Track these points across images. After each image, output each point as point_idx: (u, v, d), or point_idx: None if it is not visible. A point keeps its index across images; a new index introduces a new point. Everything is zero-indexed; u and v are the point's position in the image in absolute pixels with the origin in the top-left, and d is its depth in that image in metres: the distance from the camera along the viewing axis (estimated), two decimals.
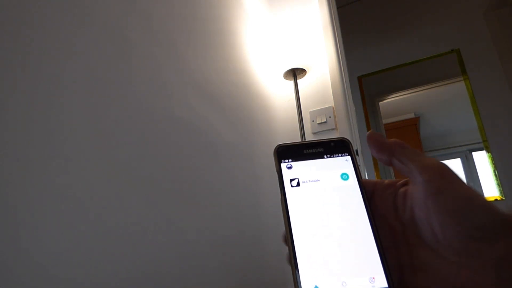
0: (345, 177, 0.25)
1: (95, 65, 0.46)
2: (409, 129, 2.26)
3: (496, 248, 0.18)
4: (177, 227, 0.56)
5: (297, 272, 0.22)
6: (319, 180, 0.25)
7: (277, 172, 0.26)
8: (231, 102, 0.88)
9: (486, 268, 0.18)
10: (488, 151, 1.76)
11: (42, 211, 0.35)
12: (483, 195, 0.19)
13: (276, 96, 1.27)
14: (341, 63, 1.17)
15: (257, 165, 0.96)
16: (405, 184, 0.23)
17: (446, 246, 0.20)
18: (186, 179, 0.61)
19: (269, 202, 0.97)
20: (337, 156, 0.26)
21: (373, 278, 0.22)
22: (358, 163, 0.25)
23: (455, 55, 1.94)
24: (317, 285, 0.22)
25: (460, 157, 2.14)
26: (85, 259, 0.38)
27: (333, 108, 1.14)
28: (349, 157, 0.26)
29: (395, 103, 2.20)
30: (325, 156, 0.26)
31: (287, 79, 1.21)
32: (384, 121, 2.18)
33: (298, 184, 0.25)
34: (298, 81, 1.19)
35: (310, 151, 0.27)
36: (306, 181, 0.25)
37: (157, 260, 0.49)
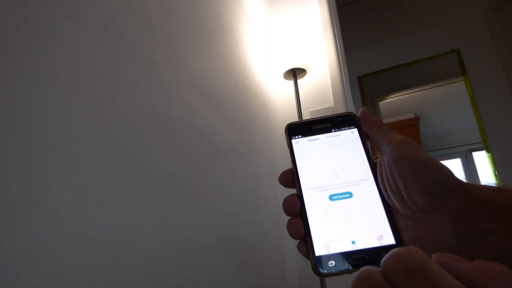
0: (352, 146, 0.27)
1: (91, 63, 0.46)
2: (409, 129, 2.26)
3: (451, 202, 0.21)
4: (176, 227, 0.55)
5: (309, 233, 0.24)
6: (328, 151, 0.28)
7: (288, 147, 0.28)
8: (230, 101, 0.87)
9: (444, 221, 0.21)
10: (488, 151, 1.76)
11: (35, 212, 0.34)
12: (440, 162, 0.22)
13: (276, 96, 1.27)
14: (341, 63, 1.17)
15: (256, 164, 0.96)
16: (376, 158, 0.27)
17: (410, 203, 0.22)
18: (185, 179, 0.61)
19: (268, 202, 0.97)
20: (344, 129, 0.28)
21: (381, 236, 0.23)
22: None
23: (455, 55, 1.94)
24: (328, 244, 0.23)
25: (460, 157, 2.14)
26: (80, 261, 0.38)
27: (333, 108, 1.13)
28: (355, 129, 0.28)
29: (395, 103, 2.20)
30: (332, 130, 0.28)
31: (287, 79, 1.21)
32: (384, 121, 2.17)
33: (307, 157, 0.27)
34: (298, 81, 1.19)
35: (319, 126, 0.29)
36: (316, 153, 0.28)
37: (156, 261, 0.49)
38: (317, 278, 0.98)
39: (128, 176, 0.48)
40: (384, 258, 0.15)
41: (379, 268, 0.16)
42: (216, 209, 0.68)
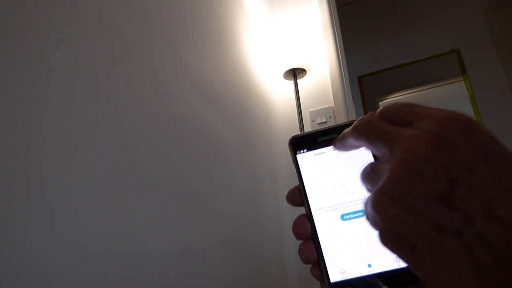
0: (361, 159, 0.25)
1: (90, 63, 0.46)
2: None
3: None
4: (176, 228, 0.55)
5: (322, 258, 0.23)
6: (336, 165, 0.26)
7: (294, 163, 0.26)
8: (231, 102, 0.87)
9: None
10: None
11: (35, 214, 0.34)
12: None
13: (276, 96, 1.27)
14: (341, 63, 1.17)
15: (256, 165, 0.96)
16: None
17: None
18: (185, 179, 0.61)
19: (268, 201, 0.97)
20: None
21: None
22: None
23: (455, 55, 1.94)
24: (343, 269, 0.22)
25: None
26: (79, 265, 0.38)
27: (333, 108, 1.13)
28: None
29: None
30: None
31: (287, 79, 1.21)
32: None
33: (315, 173, 0.26)
34: (298, 81, 1.19)
35: (324, 138, 0.27)
36: (323, 168, 0.26)
37: (157, 264, 0.49)
38: None
39: (127, 177, 0.48)
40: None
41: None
42: (216, 209, 0.68)
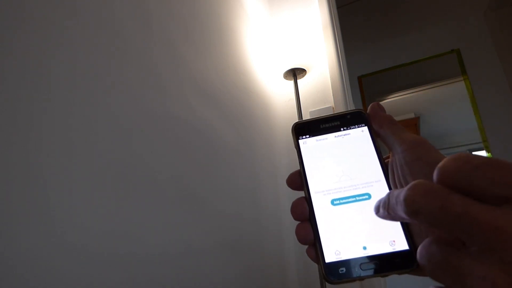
0: (362, 146, 0.26)
1: (89, 63, 0.46)
2: (409, 129, 2.24)
3: None
4: (176, 229, 0.55)
5: (318, 239, 0.23)
6: (337, 151, 0.27)
7: (296, 148, 0.27)
8: (230, 101, 0.87)
9: None
10: (488, 151, 1.76)
11: (32, 215, 0.34)
12: None
13: (276, 96, 1.27)
14: (341, 63, 1.17)
15: (256, 165, 0.96)
16: (387, 158, 0.26)
17: None
18: (185, 179, 0.61)
19: (268, 201, 0.97)
20: (353, 128, 0.27)
21: (394, 241, 0.22)
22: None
23: (455, 55, 1.94)
24: (338, 250, 0.23)
25: None
26: (79, 265, 0.38)
27: (333, 108, 1.13)
28: (365, 127, 0.27)
29: (395, 103, 2.20)
30: (341, 129, 0.27)
31: (287, 79, 1.21)
32: None
33: (316, 158, 0.26)
34: (298, 81, 1.19)
35: (327, 125, 0.27)
36: (324, 153, 0.26)
37: (157, 265, 0.49)
38: (317, 278, 0.98)
39: (127, 177, 0.48)
40: (440, 164, 0.15)
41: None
42: (216, 209, 0.68)
